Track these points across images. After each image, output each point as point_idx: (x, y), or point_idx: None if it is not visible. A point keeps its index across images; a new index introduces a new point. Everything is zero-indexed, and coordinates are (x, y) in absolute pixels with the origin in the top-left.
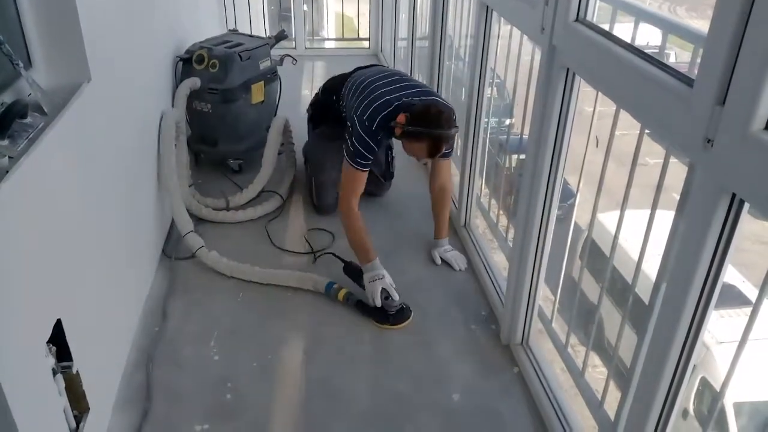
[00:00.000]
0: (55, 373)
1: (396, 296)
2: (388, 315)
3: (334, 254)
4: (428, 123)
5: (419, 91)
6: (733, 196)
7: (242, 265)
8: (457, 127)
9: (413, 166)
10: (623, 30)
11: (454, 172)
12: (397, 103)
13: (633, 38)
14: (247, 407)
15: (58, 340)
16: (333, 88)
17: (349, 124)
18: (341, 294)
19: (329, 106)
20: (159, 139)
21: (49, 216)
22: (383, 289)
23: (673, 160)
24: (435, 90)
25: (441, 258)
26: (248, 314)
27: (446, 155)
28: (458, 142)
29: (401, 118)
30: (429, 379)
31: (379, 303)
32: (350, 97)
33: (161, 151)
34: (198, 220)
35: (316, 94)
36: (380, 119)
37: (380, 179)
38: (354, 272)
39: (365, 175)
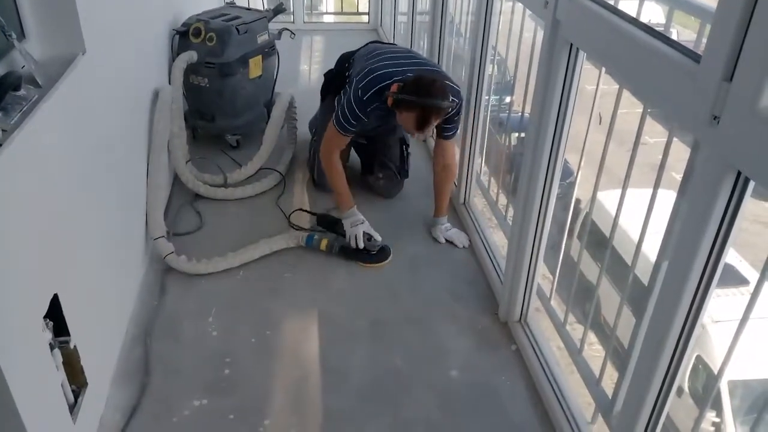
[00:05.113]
0: (52, 347)
1: (378, 237)
2: (372, 255)
3: (302, 209)
4: (418, 92)
5: (426, 69)
6: (738, 174)
7: (215, 258)
8: (454, 100)
9: (413, 148)
10: (627, 6)
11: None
12: (396, 77)
13: (638, 13)
14: (246, 382)
15: (55, 315)
16: (346, 57)
17: (347, 86)
18: (323, 243)
19: (338, 75)
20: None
21: (44, 190)
22: (364, 232)
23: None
24: (445, 70)
25: (444, 237)
26: (247, 291)
27: (447, 137)
28: None
29: (394, 87)
30: (427, 356)
31: (362, 244)
32: (356, 65)
33: (152, 132)
34: (195, 196)
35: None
36: (375, 90)
37: (396, 175)
38: (328, 222)
39: (347, 139)
